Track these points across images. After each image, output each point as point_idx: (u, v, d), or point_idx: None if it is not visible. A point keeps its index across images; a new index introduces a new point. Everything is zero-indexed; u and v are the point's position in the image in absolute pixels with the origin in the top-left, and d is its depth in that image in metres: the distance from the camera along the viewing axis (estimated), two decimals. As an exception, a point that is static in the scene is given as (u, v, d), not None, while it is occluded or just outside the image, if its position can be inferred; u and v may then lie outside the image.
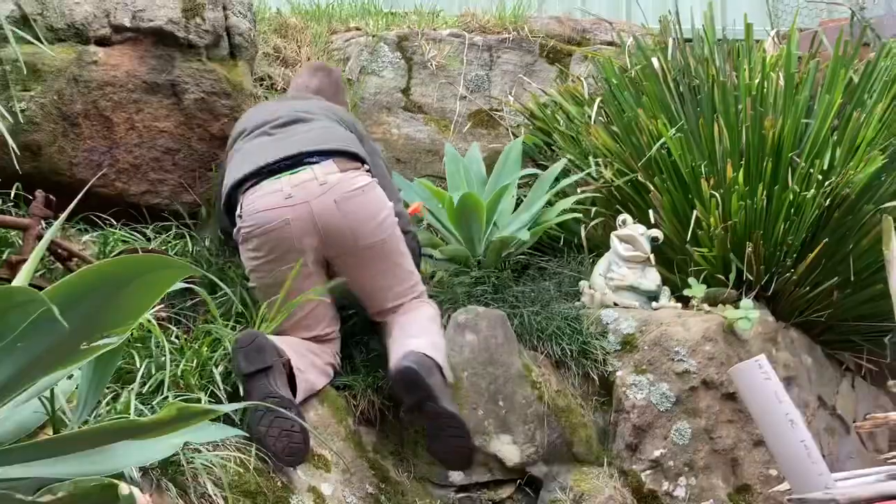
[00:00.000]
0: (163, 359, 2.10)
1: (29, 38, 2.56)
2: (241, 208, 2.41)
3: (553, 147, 3.61)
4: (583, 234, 3.22)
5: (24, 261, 2.18)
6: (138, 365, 2.00)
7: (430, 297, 2.71)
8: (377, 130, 3.73)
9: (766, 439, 1.51)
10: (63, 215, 1.36)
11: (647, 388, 2.71)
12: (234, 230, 2.45)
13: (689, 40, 3.75)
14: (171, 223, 2.96)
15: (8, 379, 1.10)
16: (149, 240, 2.90)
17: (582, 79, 3.75)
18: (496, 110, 3.88)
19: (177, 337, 2.20)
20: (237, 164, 2.47)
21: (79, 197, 1.40)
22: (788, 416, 1.36)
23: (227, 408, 1.28)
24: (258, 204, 2.37)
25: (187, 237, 2.85)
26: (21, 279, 1.27)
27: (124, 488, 1.07)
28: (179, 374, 2.06)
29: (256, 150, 2.46)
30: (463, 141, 3.77)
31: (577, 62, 3.95)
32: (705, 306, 2.94)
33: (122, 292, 1.14)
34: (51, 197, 2.31)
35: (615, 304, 2.93)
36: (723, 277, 3.00)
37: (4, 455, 1.26)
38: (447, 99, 3.87)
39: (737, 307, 2.87)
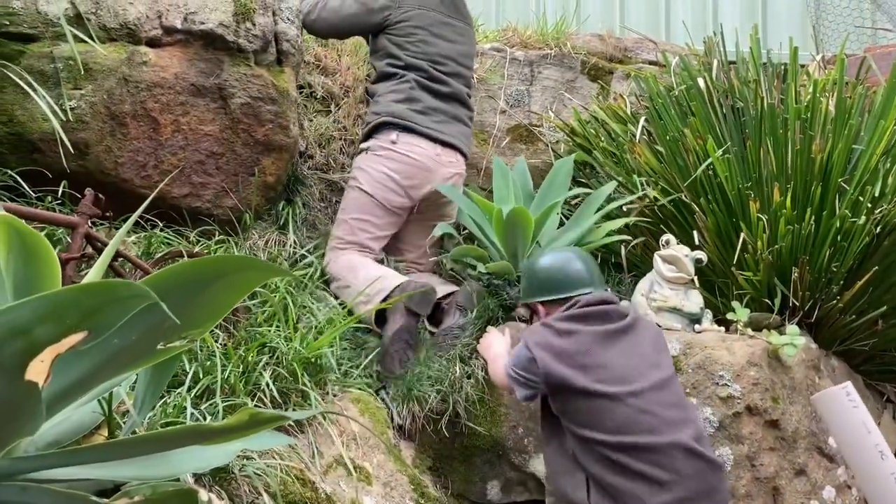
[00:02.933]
0: (208, 363, 2.07)
1: (82, 36, 2.55)
2: None
3: (594, 165, 3.58)
4: (623, 253, 3.18)
5: (73, 259, 2.17)
6: (187, 368, 1.97)
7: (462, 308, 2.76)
8: (416, 141, 3.71)
9: (852, 470, 1.45)
10: (133, 217, 1.33)
11: (691, 411, 2.65)
12: None
13: (733, 62, 3.73)
14: (212, 227, 2.94)
15: (90, 373, 1.08)
16: (191, 243, 2.88)
17: (624, 96, 3.72)
18: (536, 125, 3.86)
19: (223, 343, 2.17)
20: None
21: (147, 201, 1.37)
22: (878, 447, 1.31)
23: (298, 415, 1.25)
24: None
25: (230, 242, 2.83)
26: (92, 278, 1.24)
27: (203, 495, 1.04)
28: (226, 378, 2.03)
29: None
30: (501, 155, 3.74)
31: (619, 80, 3.92)
32: (749, 331, 2.89)
33: (205, 292, 1.11)
34: (99, 196, 2.29)
35: (657, 325, 2.88)
36: (767, 302, 2.95)
37: (70, 455, 1.23)
38: (487, 113, 3.85)
39: (781, 332, 2.82)
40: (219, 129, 2.90)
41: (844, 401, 1.36)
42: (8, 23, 2.56)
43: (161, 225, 2.83)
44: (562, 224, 3.25)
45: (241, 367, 2.10)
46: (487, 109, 3.85)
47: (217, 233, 2.95)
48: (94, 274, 1.22)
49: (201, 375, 2.01)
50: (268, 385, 2.08)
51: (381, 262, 3.08)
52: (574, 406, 2.09)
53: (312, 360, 2.30)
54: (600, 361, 2.13)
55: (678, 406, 2.15)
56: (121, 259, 2.38)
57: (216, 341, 2.21)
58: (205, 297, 1.12)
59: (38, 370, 0.88)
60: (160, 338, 1.13)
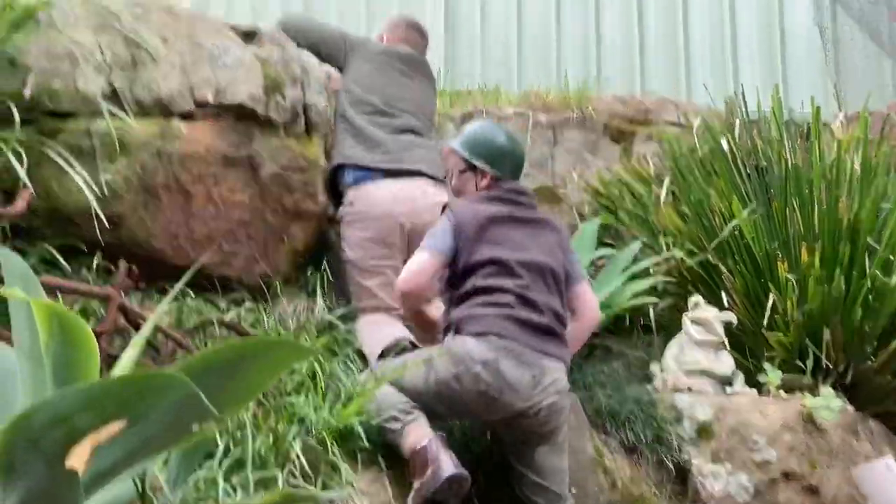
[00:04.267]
0: (239, 433, 2.07)
1: (118, 112, 2.63)
2: None
3: (618, 226, 3.59)
4: (651, 314, 3.16)
5: (107, 331, 2.20)
6: (218, 440, 1.98)
7: None
8: (441, 208, 3.76)
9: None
10: (172, 292, 1.36)
11: (725, 478, 2.61)
12: None
13: (754, 121, 3.76)
14: (242, 294, 2.97)
15: (127, 457, 1.09)
16: (221, 311, 2.91)
17: (647, 158, 3.75)
18: (560, 187, 3.89)
19: (253, 413, 2.18)
20: None
21: (188, 274, 1.39)
22: (921, 522, 1.28)
23: (329, 495, 1.24)
24: None
25: (260, 310, 2.85)
26: (128, 361, 1.26)
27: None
28: (257, 450, 2.03)
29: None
30: (526, 217, 3.77)
31: (642, 141, 3.96)
32: (782, 393, 2.85)
33: (239, 374, 1.13)
34: (133, 268, 2.33)
35: (689, 389, 2.85)
36: (800, 364, 2.92)
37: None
38: (511, 175, 3.89)
39: (815, 395, 2.78)
40: (249, 198, 2.95)
41: (886, 475, 1.34)
42: (48, 101, 2.64)
43: (192, 293, 2.87)
44: (588, 286, 3.24)
45: (272, 437, 2.10)
46: (512, 172, 3.89)
47: (246, 300, 2.99)
48: (131, 353, 1.25)
49: (232, 447, 2.01)
50: (298, 456, 2.07)
51: None
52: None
53: (342, 429, 2.29)
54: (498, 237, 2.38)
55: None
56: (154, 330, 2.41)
57: (246, 411, 2.22)
58: (238, 379, 1.13)
59: (78, 457, 0.89)
60: (194, 420, 1.14)
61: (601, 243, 3.50)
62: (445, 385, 2.24)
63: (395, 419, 2.26)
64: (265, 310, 2.98)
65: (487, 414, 2.27)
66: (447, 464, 2.14)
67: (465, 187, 2.61)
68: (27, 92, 2.46)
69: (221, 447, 1.97)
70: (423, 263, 2.40)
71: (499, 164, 2.54)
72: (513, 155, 2.58)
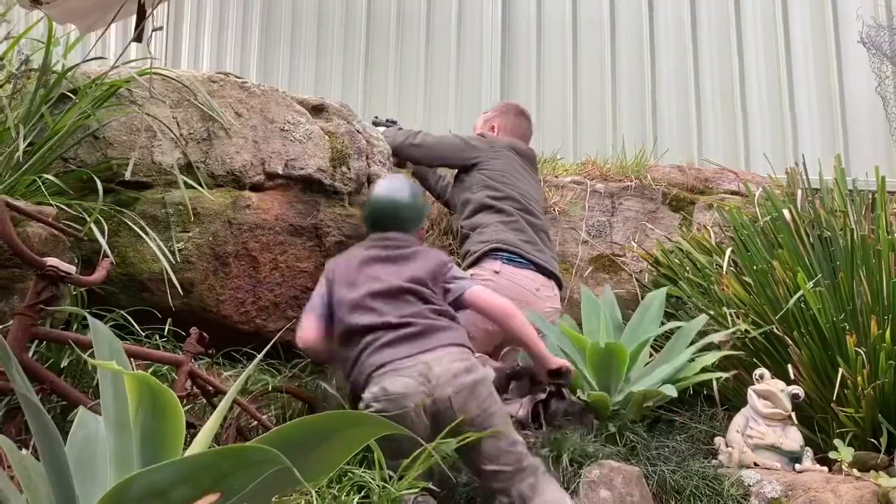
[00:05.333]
0: (303, 502, 2.08)
1: (192, 183, 2.74)
2: None
3: (680, 296, 3.56)
4: (715, 387, 3.11)
5: (179, 397, 2.25)
6: (284, 509, 1.99)
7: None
8: (499, 274, 3.78)
9: None
10: (251, 366, 1.40)
11: (797, 559, 2.51)
12: None
13: (816, 191, 3.73)
14: (306, 360, 3.01)
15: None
16: (285, 377, 2.96)
17: (708, 227, 3.73)
18: (618, 255, 3.88)
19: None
20: None
21: (267, 348, 1.43)
22: None
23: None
24: None
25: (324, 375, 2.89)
26: (208, 432, 1.30)
27: None
28: (322, 520, 2.03)
29: None
30: (584, 285, 3.77)
31: (701, 210, 3.95)
32: (855, 471, 2.75)
33: (320, 448, 1.15)
34: (203, 334, 2.40)
35: (755, 465, 2.78)
36: (872, 441, 2.82)
37: None
38: (569, 243, 3.91)
39: (890, 474, 2.68)
40: (314, 265, 3.02)
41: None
42: (125, 173, 2.77)
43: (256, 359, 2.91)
44: (651, 355, 3.21)
45: (335, 507, 2.10)
46: (569, 240, 3.91)
47: (310, 366, 3.03)
48: (214, 420, 1.28)
49: (297, 516, 2.02)
50: (362, 527, 2.07)
51: None
52: None
53: (398, 500, 2.29)
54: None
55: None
56: (220, 395, 2.46)
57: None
58: (319, 453, 1.15)
59: (173, 530, 0.92)
60: (277, 491, 1.16)
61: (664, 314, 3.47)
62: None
63: None
64: (325, 374, 3.02)
65: (425, 431, 2.25)
66: None
67: None
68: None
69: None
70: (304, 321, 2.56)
71: (368, 219, 2.67)
72: (376, 208, 2.65)
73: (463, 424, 2.25)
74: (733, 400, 3.14)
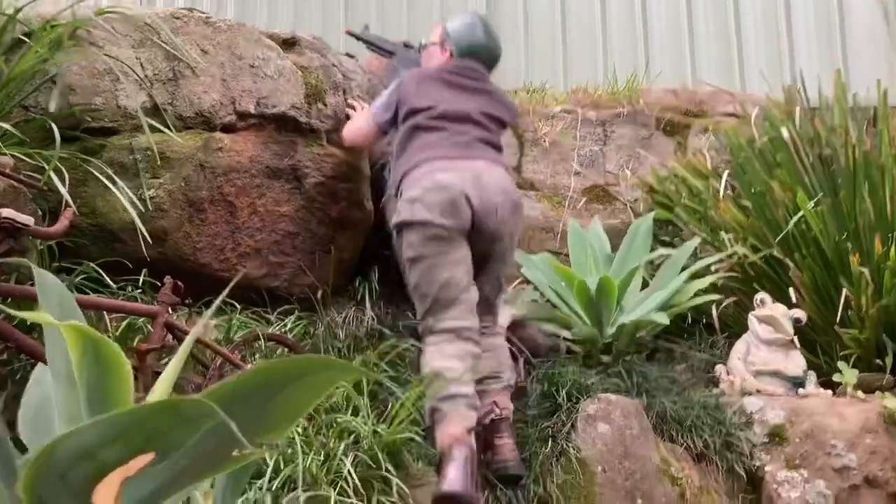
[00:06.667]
0: (290, 450, 2.01)
1: (160, 126, 2.61)
2: None
3: (676, 223, 3.45)
4: (714, 314, 3.02)
5: (153, 349, 2.16)
6: (267, 458, 1.92)
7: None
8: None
9: None
10: (213, 306, 1.30)
11: (801, 485, 2.46)
12: None
13: (815, 109, 3.59)
14: (291, 306, 2.92)
15: (160, 490, 1.02)
16: (270, 323, 2.86)
17: (704, 151, 3.60)
18: (612, 185, 3.76)
19: (303, 428, 2.11)
20: None
21: (230, 286, 1.33)
22: None
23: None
24: None
25: (309, 321, 2.80)
26: (165, 383, 1.20)
27: None
28: (307, 467, 1.96)
29: None
30: (578, 217, 3.65)
31: (697, 134, 3.81)
32: (859, 393, 2.68)
33: (280, 395, 1.05)
34: (178, 284, 2.29)
35: (758, 392, 2.71)
36: (878, 362, 2.75)
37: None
38: (560, 175, 3.78)
39: (896, 394, 2.62)
40: (294, 209, 2.90)
41: None
42: (90, 119, 2.63)
43: (240, 307, 2.83)
44: (645, 284, 3.11)
45: (322, 454, 2.03)
46: (561, 172, 3.78)
47: (296, 311, 2.93)
48: (171, 369, 1.19)
49: (282, 465, 1.95)
50: (350, 473, 2.00)
51: None
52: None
53: (393, 443, 2.21)
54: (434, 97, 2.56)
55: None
56: (198, 345, 2.37)
57: (296, 427, 2.16)
58: (280, 401, 1.05)
59: (106, 494, 0.83)
60: (235, 446, 1.06)
61: (660, 242, 3.36)
62: None
63: (441, 405, 2.24)
64: (314, 321, 2.93)
65: (467, 224, 2.40)
66: (454, 479, 2.09)
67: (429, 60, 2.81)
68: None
69: (271, 466, 1.91)
70: None
71: (462, 43, 2.69)
72: (477, 36, 2.71)
73: (493, 240, 2.42)
74: (734, 327, 3.06)
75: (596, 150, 3.81)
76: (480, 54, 2.70)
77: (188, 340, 1.25)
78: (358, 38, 3.29)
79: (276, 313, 2.88)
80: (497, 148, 2.59)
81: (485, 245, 2.43)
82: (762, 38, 4.48)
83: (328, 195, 2.93)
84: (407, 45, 3.25)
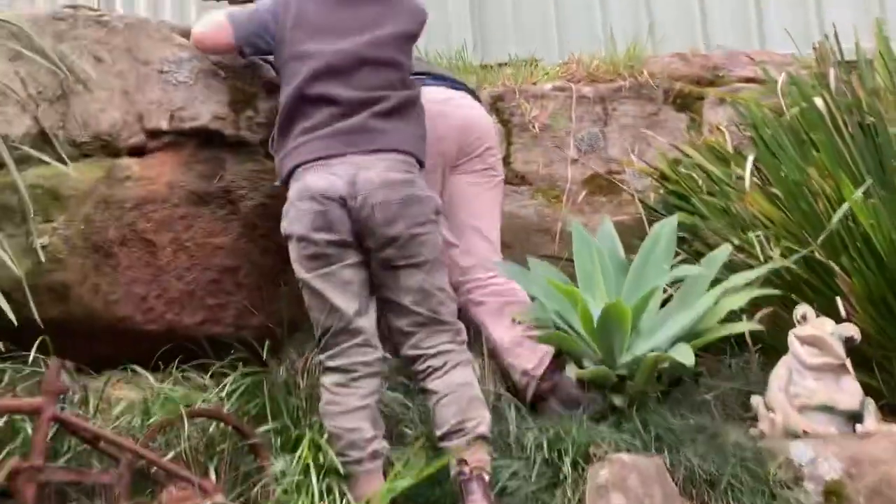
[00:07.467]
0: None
1: (47, 158, 2.12)
2: None
3: (692, 212, 2.91)
4: (746, 330, 2.51)
5: (32, 469, 1.68)
6: None
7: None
8: (476, 208, 3.14)
9: None
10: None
11: (870, 558, 1.97)
12: None
13: (852, 65, 3.02)
14: (240, 354, 2.45)
15: None
16: (213, 376, 2.40)
17: (722, 128, 3.06)
18: (616, 173, 3.23)
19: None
20: None
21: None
22: None
23: None
24: None
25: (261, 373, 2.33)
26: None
27: None
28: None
29: None
30: (579, 213, 3.14)
31: (712, 106, 3.26)
32: (933, 425, 2.18)
33: None
34: (66, 364, 1.82)
35: (805, 433, 2.21)
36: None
37: None
38: (555, 164, 3.25)
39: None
40: (231, 239, 2.43)
41: None
42: (-37, 152, 2.14)
43: (177, 363, 2.37)
44: (665, 300, 2.60)
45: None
46: (556, 160, 3.25)
47: (244, 360, 2.46)
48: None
49: None
50: None
51: None
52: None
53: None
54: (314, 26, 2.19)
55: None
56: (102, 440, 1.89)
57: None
58: None
59: None
60: None
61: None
62: None
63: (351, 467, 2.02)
64: (267, 371, 2.46)
65: (348, 234, 2.11)
66: None
67: None
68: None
69: None
70: None
71: None
72: None
73: (386, 245, 2.05)
74: (768, 342, 2.55)
75: (595, 133, 3.27)
76: None
77: None
78: None
79: (219, 366, 2.42)
80: (386, 108, 2.16)
81: (382, 254, 2.07)
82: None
83: (271, 218, 2.43)
84: None
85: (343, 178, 2.06)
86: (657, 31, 3.92)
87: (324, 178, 2.07)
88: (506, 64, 3.79)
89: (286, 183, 2.15)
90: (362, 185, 2.05)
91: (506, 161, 3.24)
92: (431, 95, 2.44)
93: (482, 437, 2.03)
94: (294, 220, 2.09)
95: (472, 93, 2.76)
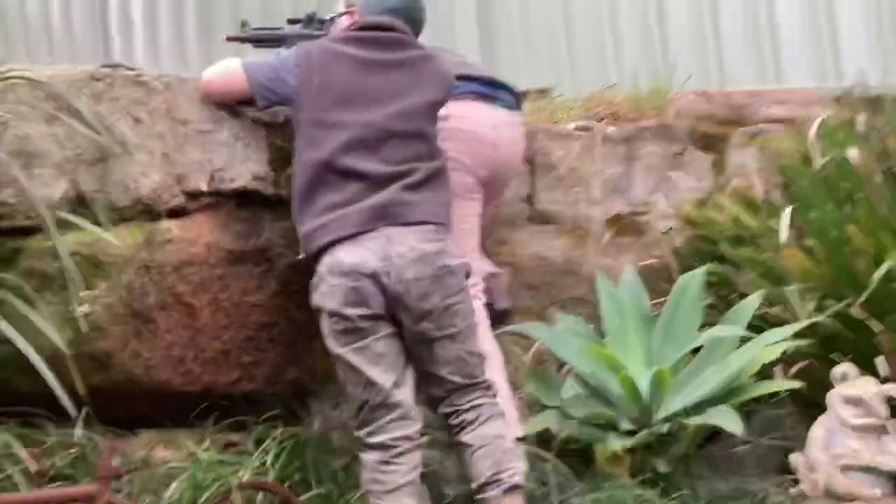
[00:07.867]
0: None
1: (87, 225, 2.07)
2: None
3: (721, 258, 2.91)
4: (783, 388, 2.51)
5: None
6: None
7: None
8: (501, 251, 3.12)
9: None
10: None
11: None
12: None
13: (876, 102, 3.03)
14: (273, 412, 2.43)
15: None
16: (250, 433, 2.38)
17: (751, 172, 3.05)
18: (640, 213, 3.21)
19: None
20: None
21: None
22: None
23: None
24: None
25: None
26: None
27: None
28: None
29: None
30: (605, 255, 3.12)
31: (737, 148, 3.24)
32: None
33: None
34: (115, 447, 1.78)
35: (852, 498, 2.22)
36: None
37: None
38: (580, 204, 3.23)
39: None
40: (267, 296, 2.40)
41: None
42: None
43: (213, 421, 2.35)
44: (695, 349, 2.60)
45: None
46: (581, 200, 3.23)
47: (279, 418, 2.44)
48: None
49: None
50: None
51: None
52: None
53: None
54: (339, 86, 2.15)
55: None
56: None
57: None
58: None
59: None
60: None
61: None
62: None
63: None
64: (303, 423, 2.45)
65: (380, 309, 2.09)
66: None
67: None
68: None
69: None
70: None
71: (374, 4, 2.26)
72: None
73: (421, 318, 2.04)
74: (803, 397, 2.56)
75: (619, 173, 3.25)
76: (398, 9, 2.26)
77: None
78: (242, 40, 2.61)
79: (255, 425, 2.39)
80: (416, 181, 2.13)
81: (417, 328, 2.05)
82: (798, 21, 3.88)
83: (306, 273, 2.41)
84: (308, 20, 2.56)
85: (375, 253, 2.04)
86: (670, 60, 3.91)
87: (356, 254, 2.04)
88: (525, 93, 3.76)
89: (315, 258, 2.12)
90: (395, 259, 2.03)
91: (530, 200, 3.23)
92: (481, 116, 2.50)
93: (517, 487, 2.05)
94: (326, 294, 2.06)
95: (516, 96, 2.72)
